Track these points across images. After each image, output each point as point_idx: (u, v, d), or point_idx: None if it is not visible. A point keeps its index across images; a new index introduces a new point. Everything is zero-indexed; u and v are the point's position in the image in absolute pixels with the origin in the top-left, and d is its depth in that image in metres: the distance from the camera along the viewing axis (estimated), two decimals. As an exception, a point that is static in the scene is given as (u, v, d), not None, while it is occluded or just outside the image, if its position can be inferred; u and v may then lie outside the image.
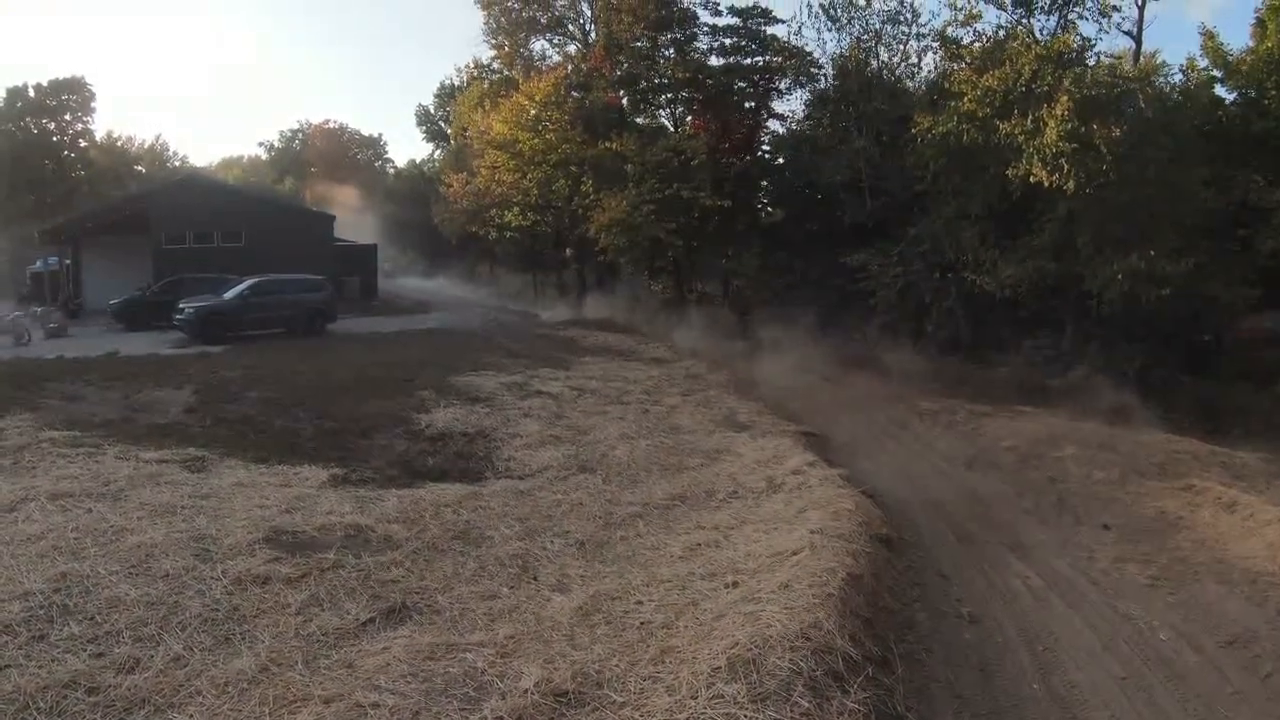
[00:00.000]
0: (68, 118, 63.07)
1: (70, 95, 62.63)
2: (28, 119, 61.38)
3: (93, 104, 64.07)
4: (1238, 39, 27.80)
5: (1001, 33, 26.46)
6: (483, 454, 11.85)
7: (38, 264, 37.12)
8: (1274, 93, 24.95)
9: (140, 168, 70.59)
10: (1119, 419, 18.06)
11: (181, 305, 25.86)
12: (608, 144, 33.27)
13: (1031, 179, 22.16)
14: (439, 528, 8.58)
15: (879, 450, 13.70)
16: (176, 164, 76.85)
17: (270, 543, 7.83)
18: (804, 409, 16.15)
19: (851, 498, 9.77)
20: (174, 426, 13.64)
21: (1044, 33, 26.02)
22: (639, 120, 36.83)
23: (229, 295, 26.26)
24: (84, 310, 33.02)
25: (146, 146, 75.39)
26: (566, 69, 37.73)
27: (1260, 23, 26.00)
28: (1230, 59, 26.36)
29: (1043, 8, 26.49)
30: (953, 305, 24.59)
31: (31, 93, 61.63)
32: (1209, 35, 26.94)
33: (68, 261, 36.28)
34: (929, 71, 30.84)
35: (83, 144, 64.25)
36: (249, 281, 26.71)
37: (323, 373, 18.44)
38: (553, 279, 39.47)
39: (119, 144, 70.80)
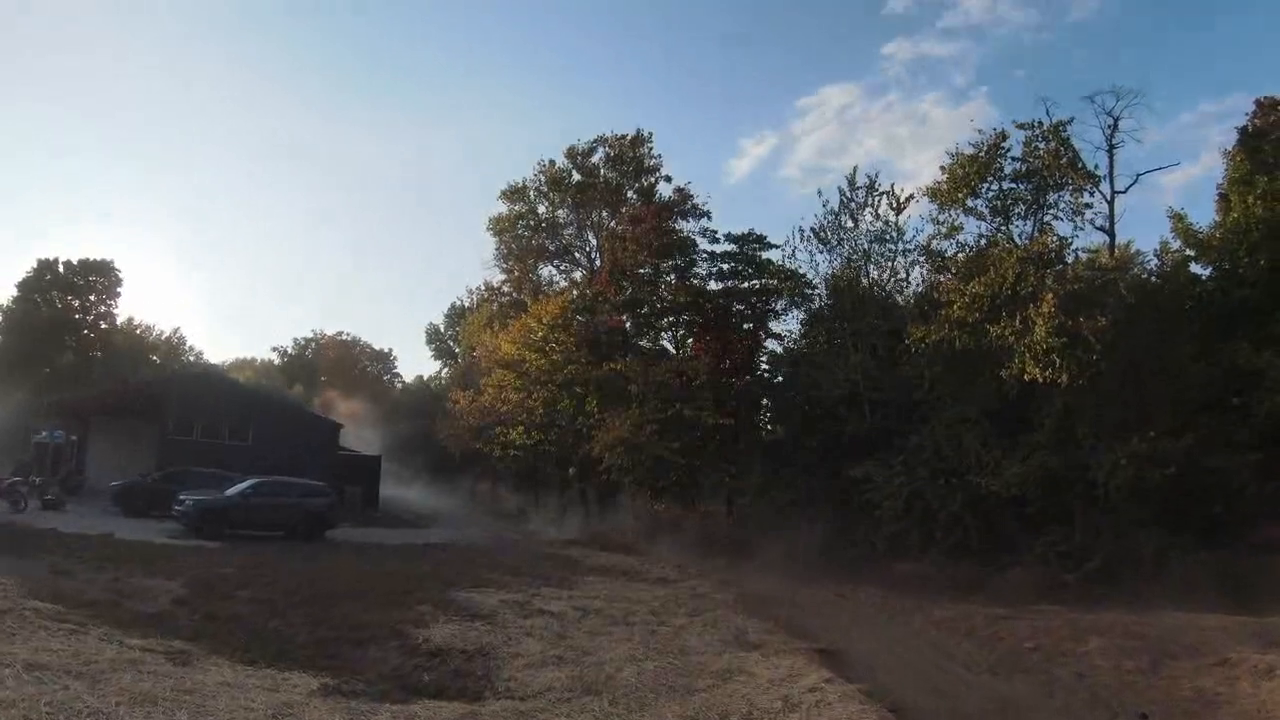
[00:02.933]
0: (92, 298, 65.11)
1: (97, 277, 64.95)
2: (54, 293, 63.08)
3: (118, 289, 66.46)
4: (1204, 216, 29.60)
5: (983, 241, 27.98)
6: (482, 673, 11.18)
7: (43, 434, 36.90)
8: (1246, 260, 26.25)
9: (156, 358, 71.78)
10: (1141, 605, 17.74)
11: (182, 497, 25.87)
12: (612, 365, 34.36)
13: (1026, 377, 22.73)
14: None
15: (898, 663, 13.06)
16: (191, 358, 78.53)
17: None
18: (817, 625, 15.58)
19: (875, 713, 9.27)
20: (161, 617, 13.26)
21: (1023, 237, 27.47)
22: (642, 342, 38.07)
23: (230, 492, 26.39)
24: (84, 488, 32.89)
25: (164, 337, 77.36)
26: (572, 293, 39.26)
27: (1224, 197, 27.98)
28: (1200, 236, 28.28)
29: (1019, 214, 28.14)
30: (959, 510, 24.16)
31: (61, 269, 63.65)
32: (1178, 217, 29.15)
33: (73, 437, 36.48)
34: (917, 285, 31.96)
35: (103, 325, 65.81)
36: (251, 481, 26.93)
37: (319, 578, 18.02)
38: (555, 497, 39.32)
39: (138, 330, 72.76)
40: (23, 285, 63.98)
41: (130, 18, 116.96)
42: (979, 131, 28.78)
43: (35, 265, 64.70)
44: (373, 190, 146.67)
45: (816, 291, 34.26)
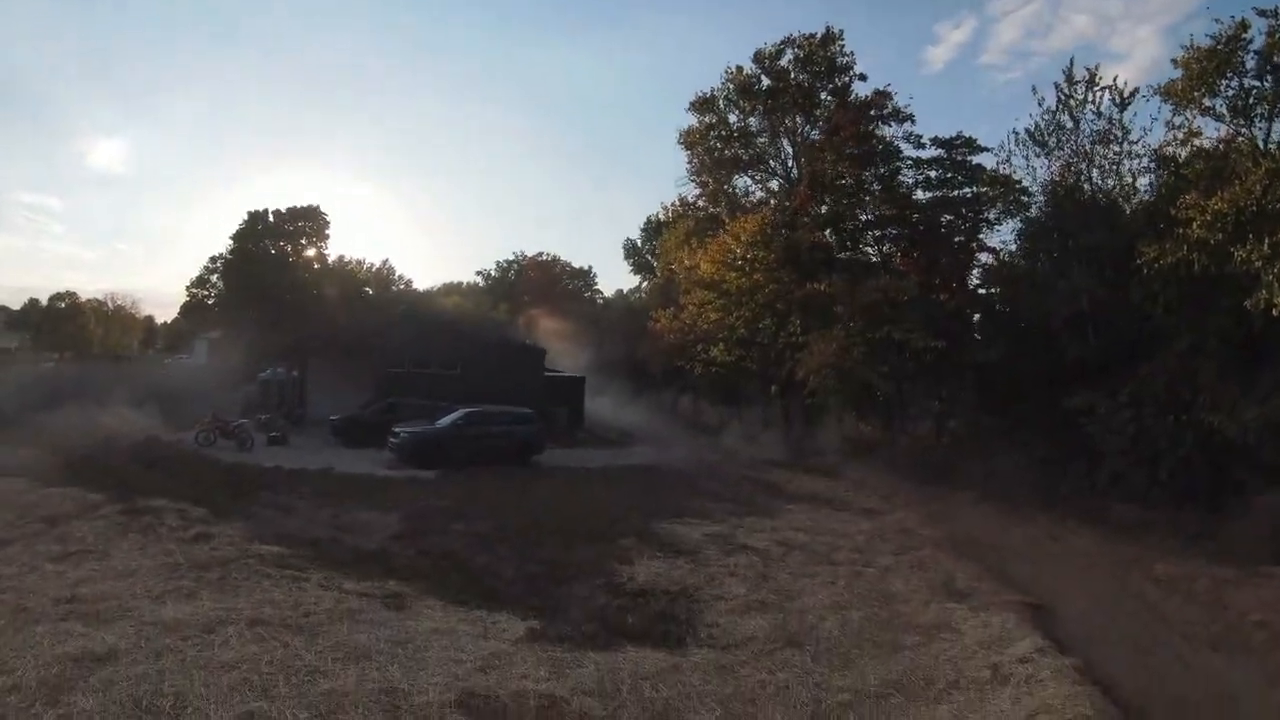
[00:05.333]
0: (303, 241, 69.81)
1: (305, 221, 69.34)
2: (266, 240, 67.98)
3: (326, 230, 70.76)
4: None
5: (1221, 146, 24.49)
6: (685, 617, 11.41)
7: (266, 373, 39.52)
8: None
9: (368, 289, 75.90)
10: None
11: (396, 429, 27.36)
12: (815, 284, 33.13)
13: (1275, 311, 19.85)
14: (636, 706, 8.16)
15: (1112, 629, 12.32)
16: (400, 287, 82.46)
17: (461, 707, 7.64)
18: (1027, 573, 14.89)
19: (1089, 699, 8.77)
20: (379, 554, 14.20)
21: (1268, 143, 23.78)
22: (846, 258, 36.44)
23: (442, 423, 27.66)
24: (306, 421, 35.39)
25: (374, 270, 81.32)
26: (770, 207, 38.06)
27: None
28: None
29: (1261, 115, 24.18)
30: (1190, 451, 22.11)
31: (271, 218, 68.45)
32: None
33: (295, 374, 38.88)
34: (1145, 193, 28.72)
35: (316, 266, 70.23)
36: (461, 411, 28.09)
37: (528, 509, 18.86)
38: (755, 413, 39.07)
39: (349, 267, 76.81)
40: (237, 236, 69.84)
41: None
42: (1216, 21, 25.21)
43: (247, 217, 70.29)
44: (567, 109, 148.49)
45: (1034, 200, 32.00)
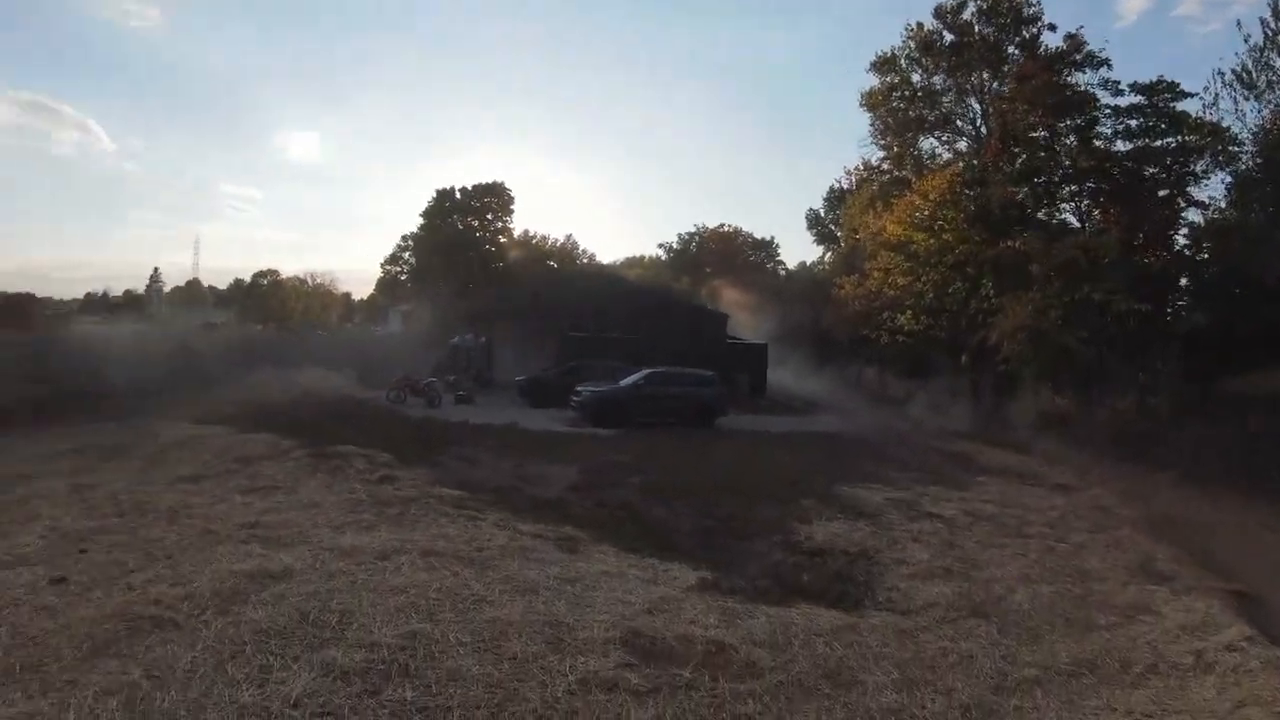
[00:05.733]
0: (489, 217, 72.10)
1: (491, 198, 71.81)
2: (454, 216, 70.67)
3: (511, 206, 73.04)
4: None
5: None
6: (863, 578, 11.01)
7: (456, 338, 40.78)
8: None
9: (553, 263, 77.75)
10: None
11: (579, 389, 27.91)
12: (1008, 243, 31.53)
13: None
14: (807, 660, 7.78)
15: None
16: (584, 260, 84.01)
17: (626, 645, 7.51)
18: (1235, 561, 13.53)
19: (1305, 693, 7.84)
20: (556, 503, 14.41)
21: None
22: (1041, 215, 34.34)
23: (624, 383, 28.00)
24: (493, 383, 36.62)
25: (558, 244, 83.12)
26: (959, 165, 36.40)
27: None
28: None
29: None
30: None
31: (458, 195, 71.06)
32: None
33: (483, 339, 39.92)
34: None
35: (502, 240, 72.53)
36: (644, 372, 28.35)
37: (707, 468, 18.79)
38: (943, 385, 37.68)
39: (534, 241, 78.96)
40: (426, 214, 73.08)
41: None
42: None
43: (435, 195, 73.50)
44: (746, 78, 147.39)
45: (1243, 149, 29.41)
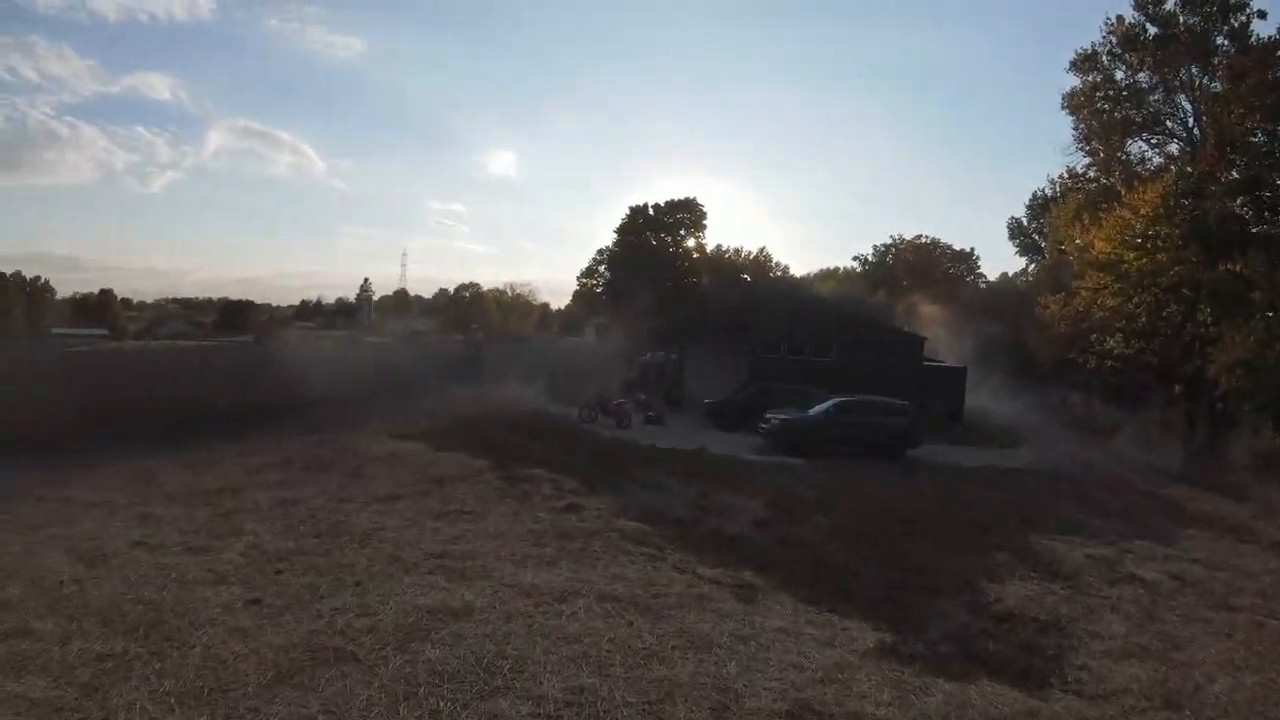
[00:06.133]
0: (681, 232, 72.82)
1: (684, 213, 72.70)
2: (647, 233, 71.61)
3: (704, 221, 73.63)
4: None
5: None
6: (1053, 652, 10.24)
7: (647, 356, 41.21)
8: None
9: (746, 276, 77.58)
10: None
11: (768, 415, 27.64)
12: (1227, 265, 28.96)
13: None
14: None
15: None
16: (778, 273, 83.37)
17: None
18: None
19: None
20: (738, 540, 14.23)
21: None
22: (1263, 232, 31.46)
23: (814, 411, 27.50)
24: (682, 402, 36.57)
25: (751, 257, 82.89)
26: (1171, 174, 33.87)
27: None
28: None
29: None
30: None
31: (651, 211, 72.06)
32: None
33: (673, 356, 40.08)
34: None
35: (694, 255, 72.88)
36: (834, 400, 27.73)
37: (895, 506, 18.23)
38: (1153, 416, 35.01)
39: (726, 255, 79.05)
40: (620, 230, 74.28)
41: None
42: None
43: (629, 212, 74.85)
44: (939, 82, 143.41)
45: None
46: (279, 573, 10.60)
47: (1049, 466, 27.02)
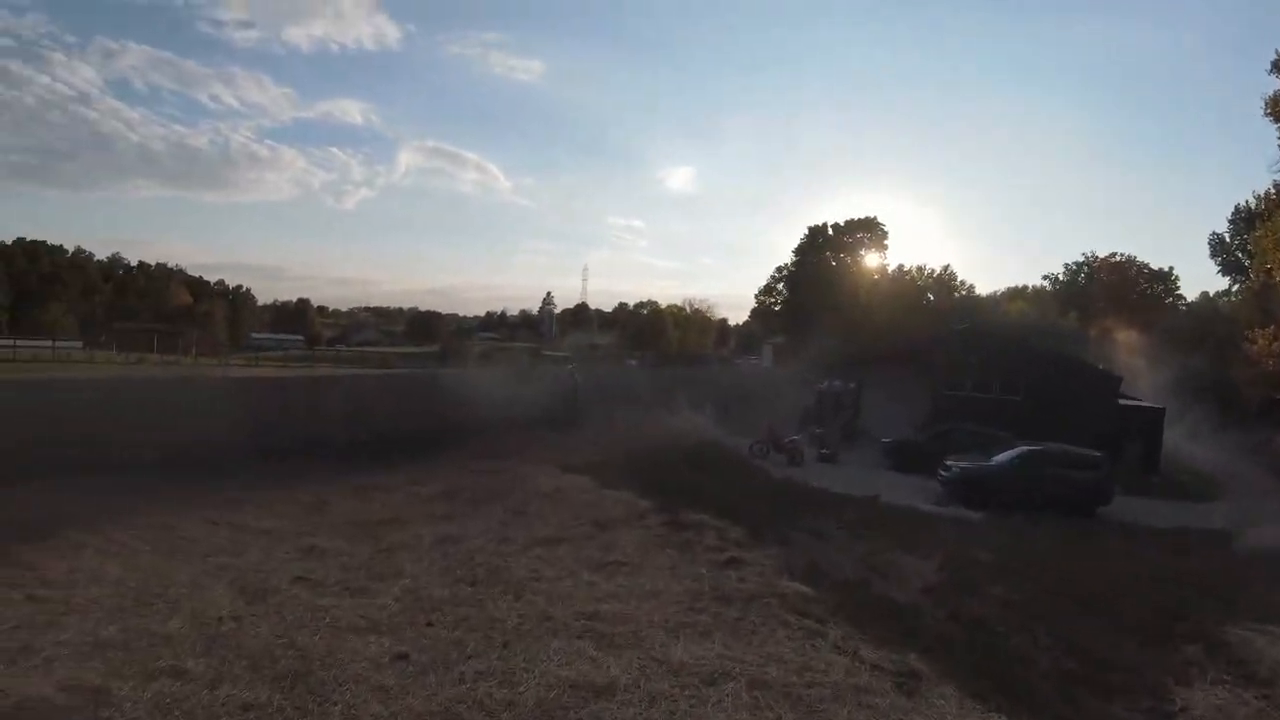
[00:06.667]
0: (862, 252, 71.74)
1: (864, 232, 71.65)
2: (826, 253, 70.73)
3: (885, 240, 72.14)
4: None
5: None
6: None
7: (825, 384, 39.66)
8: None
9: (930, 296, 75.25)
10: None
11: (948, 461, 26.25)
12: None
13: None
14: None
15: None
16: (962, 293, 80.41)
17: None
18: None
19: None
20: (906, 611, 13.38)
21: None
22: None
23: (997, 461, 25.89)
24: (859, 437, 35.38)
25: (934, 276, 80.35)
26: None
27: None
28: None
29: None
30: None
31: (830, 230, 71.18)
32: None
33: (852, 385, 38.60)
34: None
35: (875, 276, 71.48)
36: (1020, 449, 26.14)
37: (1076, 577, 16.71)
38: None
39: (908, 275, 76.99)
40: (798, 250, 73.45)
41: None
42: None
43: (807, 232, 74.63)
44: (1131, 89, 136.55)
45: None
46: (429, 624, 10.68)
47: (1254, 531, 24.41)
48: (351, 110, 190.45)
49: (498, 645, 10.04)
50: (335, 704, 8.15)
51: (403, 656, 9.48)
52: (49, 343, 62.69)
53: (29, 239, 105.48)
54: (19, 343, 57.17)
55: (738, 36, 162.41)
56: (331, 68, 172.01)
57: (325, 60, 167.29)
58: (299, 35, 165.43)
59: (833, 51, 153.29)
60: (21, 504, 15.64)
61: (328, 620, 10.57)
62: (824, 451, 31.27)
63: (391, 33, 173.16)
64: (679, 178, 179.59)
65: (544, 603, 11.77)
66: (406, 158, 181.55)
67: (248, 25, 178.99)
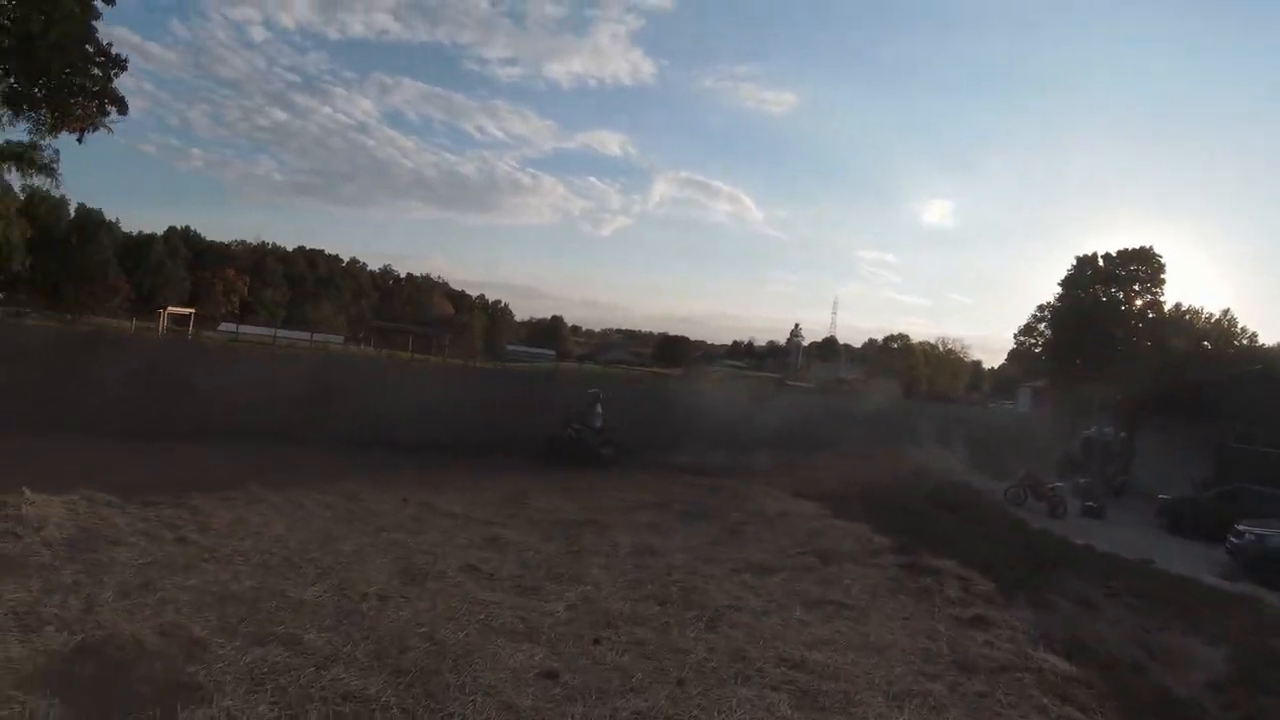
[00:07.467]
0: (1135, 287, 64.64)
1: (1138, 265, 64.62)
2: (1096, 287, 64.31)
3: (1161, 275, 64.83)
4: None
5: None
6: None
7: (1091, 430, 35.36)
8: None
9: (1206, 343, 67.34)
10: None
11: (1240, 527, 21.65)
12: None
13: None
14: None
15: None
16: (1244, 341, 71.35)
17: None
18: None
19: None
20: (1187, 705, 10.07)
21: None
22: None
23: (1297, 526, 21.02)
24: (1128, 491, 31.46)
25: (1213, 320, 71.76)
26: None
27: None
28: None
29: None
30: None
31: (1100, 262, 64.65)
32: None
33: (1122, 434, 34.71)
34: None
35: (1149, 314, 64.26)
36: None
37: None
38: None
39: (1185, 316, 69.04)
40: (1065, 283, 67.58)
41: None
42: None
43: (1075, 262, 67.83)
44: None
45: None
46: (596, 642, 9.05)
47: None
48: (609, 141, 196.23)
49: (671, 681, 8.12)
50: (451, 715, 6.74)
51: (552, 675, 7.88)
52: (307, 335, 67.11)
53: (309, 247, 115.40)
54: (279, 333, 61.99)
55: (995, 63, 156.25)
56: (590, 101, 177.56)
57: (584, 94, 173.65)
58: (559, 71, 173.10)
59: (1095, 79, 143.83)
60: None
61: (482, 617, 9.29)
62: (1089, 504, 27.36)
63: (646, 68, 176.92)
64: (934, 211, 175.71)
65: (741, 638, 9.71)
66: (661, 188, 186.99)
67: (511, 63, 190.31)
